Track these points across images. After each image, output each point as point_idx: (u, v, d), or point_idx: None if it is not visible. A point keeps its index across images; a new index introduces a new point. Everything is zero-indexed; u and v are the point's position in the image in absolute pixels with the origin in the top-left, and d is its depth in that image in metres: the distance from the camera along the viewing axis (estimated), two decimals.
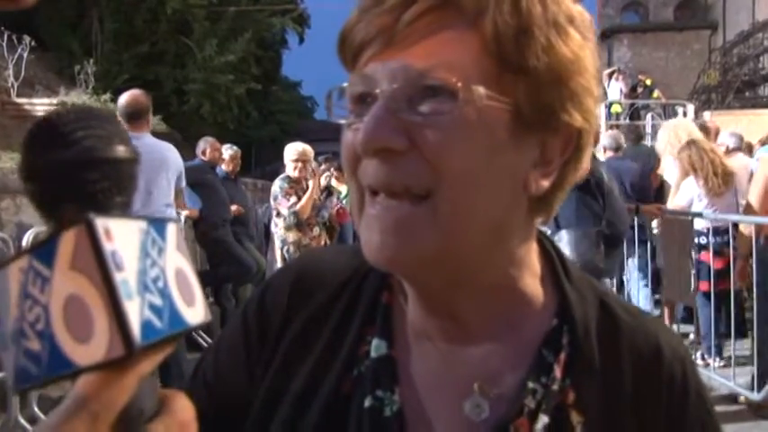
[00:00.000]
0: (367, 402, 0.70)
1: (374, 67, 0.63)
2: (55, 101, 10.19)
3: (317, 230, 5.87)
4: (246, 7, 18.80)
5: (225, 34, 17.51)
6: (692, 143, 5.40)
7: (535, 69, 0.61)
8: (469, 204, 0.62)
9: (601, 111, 15.78)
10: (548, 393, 0.68)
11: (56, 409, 0.43)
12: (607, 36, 27.03)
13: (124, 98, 4.74)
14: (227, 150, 8.05)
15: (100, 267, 0.40)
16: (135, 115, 4.67)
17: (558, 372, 0.69)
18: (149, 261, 0.43)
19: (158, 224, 0.45)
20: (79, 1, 14.86)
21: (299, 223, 5.58)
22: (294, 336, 0.77)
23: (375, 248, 0.63)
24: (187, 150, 5.57)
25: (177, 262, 0.45)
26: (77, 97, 10.70)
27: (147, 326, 0.41)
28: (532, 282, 0.73)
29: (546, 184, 0.66)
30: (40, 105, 10.17)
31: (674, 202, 5.54)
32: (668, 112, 16.98)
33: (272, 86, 21.73)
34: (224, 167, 7.97)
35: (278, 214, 5.73)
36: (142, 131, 4.73)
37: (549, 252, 0.77)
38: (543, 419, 0.67)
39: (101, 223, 0.40)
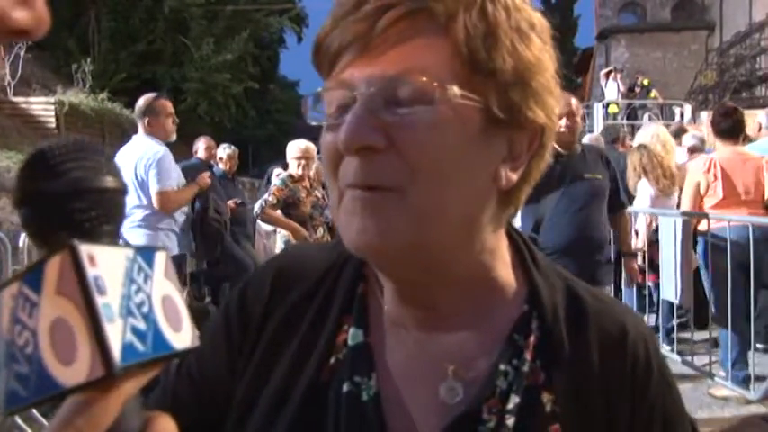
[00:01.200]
0: (345, 388, 0.72)
1: (351, 73, 0.66)
2: (52, 99, 10.18)
3: (321, 231, 5.82)
4: (244, 6, 18.80)
5: (222, 33, 17.51)
6: (642, 147, 5.76)
7: (502, 71, 0.65)
8: (441, 198, 0.65)
9: (598, 110, 15.84)
10: (518, 375, 0.72)
11: (44, 427, 0.43)
12: (605, 36, 27.07)
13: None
14: (225, 150, 8.05)
15: (83, 291, 0.41)
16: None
17: (528, 354, 0.73)
18: (134, 287, 0.44)
19: (146, 252, 0.46)
20: (76, 0, 14.84)
21: (258, 216, 5.49)
22: (274, 328, 0.80)
23: (354, 234, 0.66)
24: (184, 149, 5.57)
25: (165, 289, 0.47)
26: (74, 96, 10.68)
27: (128, 348, 0.42)
28: (504, 271, 0.77)
29: (515, 177, 0.70)
30: (37, 104, 10.16)
31: (635, 203, 5.78)
32: (665, 112, 17.03)
33: (270, 85, 21.76)
34: (221, 167, 7.97)
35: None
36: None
37: (517, 243, 0.81)
38: (514, 399, 0.71)
39: (85, 249, 0.42)
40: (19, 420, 4.50)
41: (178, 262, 5.45)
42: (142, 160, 4.84)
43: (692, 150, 6.71)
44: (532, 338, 0.74)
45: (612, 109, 16.66)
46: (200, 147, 7.58)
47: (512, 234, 0.81)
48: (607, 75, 17.93)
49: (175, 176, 5.00)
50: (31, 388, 0.42)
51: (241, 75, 17.93)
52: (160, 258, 0.47)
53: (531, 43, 0.67)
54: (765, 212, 4.87)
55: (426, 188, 0.64)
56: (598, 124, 14.85)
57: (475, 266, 0.73)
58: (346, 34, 0.66)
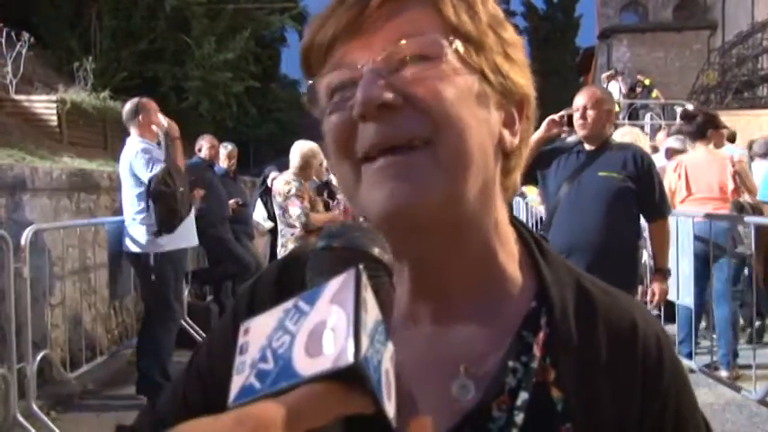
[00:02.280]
0: None
1: (350, 54, 0.68)
2: (54, 98, 10.17)
3: (321, 209, 5.84)
4: (245, 5, 18.78)
5: (224, 32, 17.48)
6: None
7: (488, 43, 0.70)
8: (466, 149, 0.67)
9: None
10: (527, 372, 0.72)
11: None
12: (606, 36, 27.05)
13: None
14: (225, 148, 8.04)
15: (355, 299, 0.48)
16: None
17: (537, 351, 0.73)
18: (378, 334, 0.50)
19: (387, 329, 0.53)
20: None
21: (306, 226, 5.52)
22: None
23: (385, 198, 0.66)
24: (185, 148, 5.58)
25: (389, 365, 0.51)
26: (76, 94, 10.68)
27: (368, 362, 0.46)
28: (511, 260, 0.78)
29: (516, 141, 0.75)
30: (39, 102, 10.15)
31: None
32: (667, 112, 17.01)
33: (271, 84, 21.72)
34: (222, 165, 7.96)
35: (285, 213, 5.65)
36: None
37: (525, 237, 0.82)
38: (523, 396, 0.71)
39: (365, 279, 0.50)
40: (20, 418, 4.51)
41: (179, 256, 5.47)
42: (132, 156, 5.15)
43: (675, 152, 6.87)
44: (541, 335, 0.74)
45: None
46: (204, 146, 7.57)
47: (519, 228, 0.82)
48: (609, 78, 17.90)
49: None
50: (268, 381, 0.46)
51: (242, 73, 17.90)
52: (390, 346, 0.53)
53: (503, 26, 0.74)
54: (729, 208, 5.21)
55: (452, 137, 0.66)
56: None
57: (487, 245, 0.75)
58: (339, 22, 0.68)
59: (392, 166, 0.66)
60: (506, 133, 0.74)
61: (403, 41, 0.66)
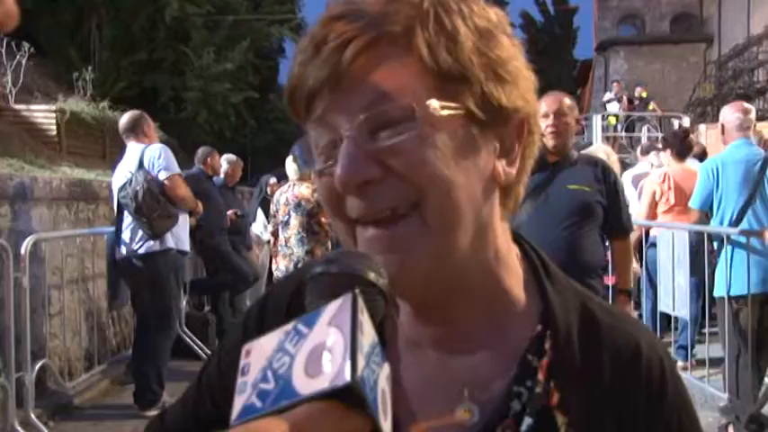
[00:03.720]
0: None
1: (329, 113, 0.67)
2: (53, 107, 10.20)
3: (329, 245, 5.86)
4: (245, 16, 18.87)
5: (223, 43, 17.55)
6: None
7: (471, 72, 0.67)
8: (454, 206, 0.66)
9: (597, 122, 15.87)
10: (532, 396, 0.72)
11: None
12: (604, 48, 27.15)
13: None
14: (227, 159, 8.07)
15: (352, 321, 0.50)
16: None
17: (541, 375, 0.73)
18: (374, 356, 0.51)
19: (381, 349, 0.54)
20: (78, 8, 14.88)
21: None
22: None
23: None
24: (184, 158, 5.61)
25: (385, 385, 0.53)
26: (75, 104, 10.70)
27: (365, 383, 0.48)
28: (516, 283, 0.77)
29: (513, 171, 0.73)
30: (38, 112, 10.18)
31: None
32: (664, 124, 17.07)
33: (270, 95, 21.76)
34: (222, 176, 7.98)
35: (311, 219, 5.64)
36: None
37: (530, 256, 0.81)
38: (528, 421, 0.71)
39: (362, 303, 0.52)
40: (18, 428, 4.51)
41: (177, 258, 5.51)
42: (156, 156, 5.28)
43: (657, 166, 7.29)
44: (546, 359, 0.74)
45: (611, 121, 16.70)
46: (205, 157, 7.58)
47: (524, 246, 0.81)
48: (603, 105, 17.91)
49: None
50: (269, 401, 0.48)
51: (241, 84, 17.97)
52: (386, 367, 0.54)
53: (494, 40, 0.69)
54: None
55: (438, 200, 0.66)
56: (597, 136, 14.87)
57: (489, 273, 0.74)
58: (315, 77, 0.67)
59: (379, 239, 0.67)
60: (501, 165, 0.72)
61: (380, 103, 0.65)
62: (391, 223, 0.66)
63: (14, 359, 4.65)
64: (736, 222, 4.64)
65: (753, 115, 4.72)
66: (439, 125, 0.65)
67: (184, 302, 7.44)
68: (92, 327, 6.29)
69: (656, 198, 6.01)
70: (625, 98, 17.59)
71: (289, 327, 0.52)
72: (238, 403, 0.49)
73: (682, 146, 6.05)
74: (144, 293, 5.49)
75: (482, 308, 0.75)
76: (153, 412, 5.16)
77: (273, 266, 6.05)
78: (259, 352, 0.52)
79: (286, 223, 5.74)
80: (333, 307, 0.51)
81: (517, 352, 0.75)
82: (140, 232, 5.24)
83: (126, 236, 5.33)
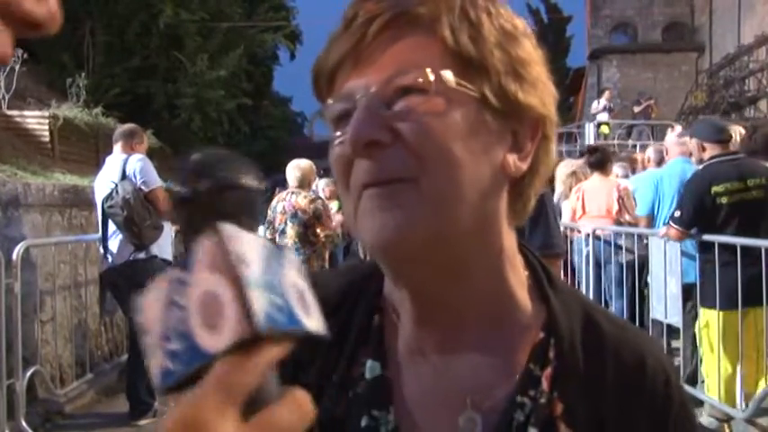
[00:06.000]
0: (363, 423, 0.72)
1: (349, 85, 0.69)
2: (46, 114, 10.17)
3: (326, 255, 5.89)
4: (239, 23, 18.88)
5: (217, 49, 17.54)
6: (572, 174, 7.41)
7: (492, 63, 0.68)
8: (453, 184, 0.67)
9: (590, 130, 15.95)
10: (536, 407, 0.71)
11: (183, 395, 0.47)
12: (596, 56, 27.29)
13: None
14: None
15: (228, 262, 0.47)
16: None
17: (545, 385, 0.72)
18: (271, 269, 0.49)
19: (279, 247, 0.52)
20: (72, 14, 14.85)
21: (335, 245, 5.62)
22: (292, 360, 0.79)
23: (376, 231, 0.67)
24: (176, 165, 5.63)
25: (296, 280, 0.51)
26: (69, 110, 10.68)
27: (269, 316, 0.46)
28: (520, 287, 0.76)
29: (524, 166, 0.72)
30: (32, 118, 10.15)
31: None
32: (656, 132, 17.15)
33: (263, 102, 21.77)
34: None
35: (308, 230, 5.65)
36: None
37: (533, 264, 0.80)
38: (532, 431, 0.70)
39: (230, 230, 0.48)
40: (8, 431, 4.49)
41: (158, 269, 5.51)
42: (138, 166, 5.29)
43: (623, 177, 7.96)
44: (549, 369, 0.73)
45: (603, 130, 16.76)
46: None
47: (527, 254, 0.81)
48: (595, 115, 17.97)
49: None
50: (182, 361, 0.47)
51: (235, 91, 17.96)
52: (291, 255, 0.53)
53: (517, 42, 0.70)
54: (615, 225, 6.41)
55: (437, 175, 0.66)
56: (589, 144, 14.94)
57: (494, 271, 0.73)
58: (340, 50, 0.69)
59: (378, 196, 0.67)
60: (512, 159, 0.71)
61: (397, 74, 0.66)
62: (388, 185, 0.67)
63: (5, 366, 4.63)
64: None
65: (688, 140, 5.56)
66: (452, 100, 0.66)
67: None
68: (84, 333, 6.27)
69: (573, 208, 7.01)
70: (609, 103, 17.59)
71: (172, 275, 0.49)
72: (154, 367, 0.48)
73: (596, 157, 7.06)
74: (129, 303, 5.46)
75: (486, 309, 0.74)
76: (145, 421, 5.15)
77: None
78: (152, 309, 0.49)
79: (282, 232, 5.74)
80: (204, 247, 0.48)
81: (519, 360, 0.74)
82: (126, 242, 5.24)
83: (112, 246, 5.33)
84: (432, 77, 0.66)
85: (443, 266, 0.70)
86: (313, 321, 0.50)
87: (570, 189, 7.37)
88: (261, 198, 0.55)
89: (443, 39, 0.67)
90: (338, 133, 0.70)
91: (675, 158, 6.12)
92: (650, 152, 7.81)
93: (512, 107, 0.69)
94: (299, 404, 0.50)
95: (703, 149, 4.87)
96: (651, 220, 6.02)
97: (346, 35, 0.69)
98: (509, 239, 0.75)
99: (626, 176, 7.85)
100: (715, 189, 4.60)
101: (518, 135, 0.72)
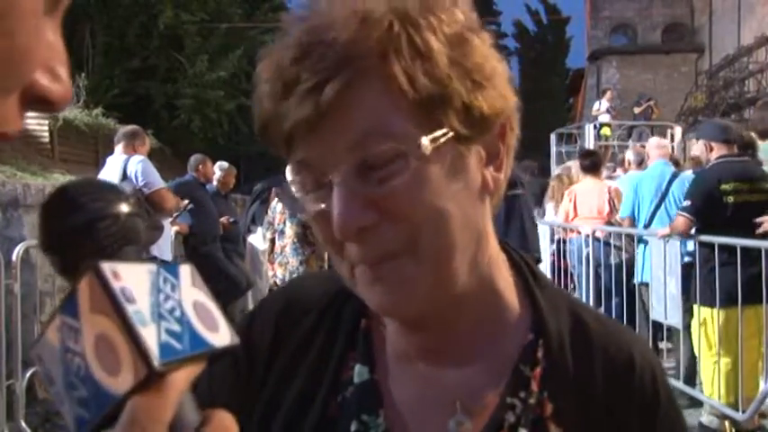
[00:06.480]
0: (353, 427, 0.73)
1: (313, 156, 0.65)
2: (46, 114, 10.16)
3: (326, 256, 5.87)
4: (238, 24, 18.89)
5: (216, 50, 17.57)
6: (557, 177, 7.81)
7: (450, 87, 0.64)
8: (448, 238, 0.66)
9: (590, 131, 15.94)
10: (526, 408, 0.72)
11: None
12: (596, 58, 27.28)
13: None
14: (220, 167, 8.07)
15: (112, 302, 0.44)
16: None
17: (534, 386, 0.73)
18: (162, 295, 0.47)
19: (170, 266, 0.50)
20: (71, 15, 14.86)
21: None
22: (281, 365, 0.79)
23: (377, 304, 0.68)
24: (177, 166, 5.60)
25: (194, 296, 0.50)
26: (68, 111, 10.68)
27: (165, 347, 0.45)
28: (506, 288, 0.76)
29: (501, 175, 0.72)
30: (31, 119, 10.14)
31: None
32: (656, 133, 17.14)
33: None
34: (216, 184, 7.98)
35: (308, 230, 5.62)
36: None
37: (517, 262, 0.80)
38: None
39: (108, 267, 0.45)
40: None
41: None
42: (139, 167, 5.31)
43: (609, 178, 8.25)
44: (539, 369, 0.73)
45: (605, 132, 16.75)
46: (198, 165, 7.60)
47: (511, 253, 0.80)
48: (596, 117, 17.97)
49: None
50: (92, 408, 0.45)
51: (235, 92, 17.96)
52: (185, 271, 0.51)
53: (467, 45, 0.66)
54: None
55: (430, 238, 0.65)
56: (589, 145, 14.94)
57: (481, 279, 0.73)
58: (291, 117, 0.64)
59: (379, 274, 0.66)
60: (489, 173, 0.71)
61: (366, 145, 0.63)
62: (384, 263, 0.66)
63: (5, 367, 4.62)
64: (649, 224, 5.98)
65: (668, 143, 6.32)
66: (429, 157, 0.64)
67: None
68: None
69: (567, 210, 7.20)
70: (609, 103, 17.58)
71: (57, 322, 0.47)
72: (67, 415, 0.47)
73: (589, 161, 7.30)
74: None
75: (474, 314, 0.74)
76: None
77: (270, 274, 6.05)
78: (49, 356, 0.47)
79: (282, 232, 5.74)
80: (83, 291, 0.45)
81: (509, 361, 0.74)
82: None
83: None
84: (407, 149, 0.63)
85: (440, 307, 0.71)
86: (220, 335, 0.49)
87: (554, 191, 7.85)
88: (138, 221, 0.51)
89: (400, 88, 0.62)
90: (314, 204, 0.68)
91: (656, 161, 6.39)
92: (630, 155, 7.96)
93: (480, 125, 0.67)
94: (224, 427, 0.49)
95: (711, 149, 4.90)
96: (633, 222, 6.24)
97: (294, 100, 0.63)
98: (493, 244, 0.75)
99: (609, 177, 8.11)
100: (723, 186, 4.64)
101: (489, 146, 0.70)
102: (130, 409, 0.45)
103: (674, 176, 6.05)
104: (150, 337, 0.44)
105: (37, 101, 0.43)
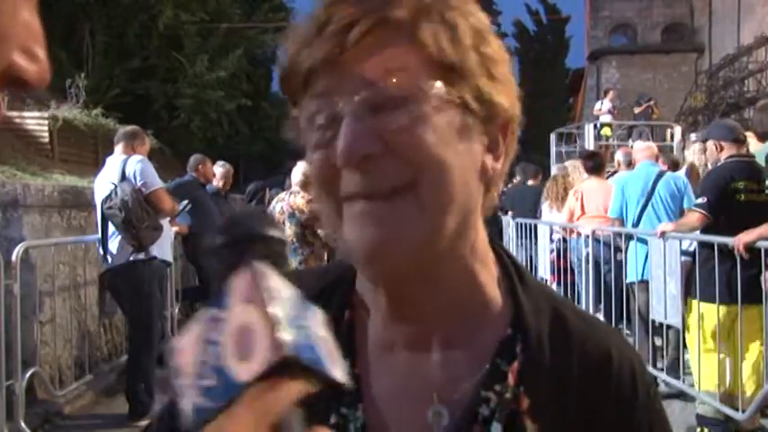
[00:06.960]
0: (332, 420, 0.73)
1: (330, 88, 0.68)
2: (45, 114, 10.18)
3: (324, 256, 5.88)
4: (238, 24, 18.90)
5: (216, 50, 17.58)
6: (553, 178, 7.99)
7: (469, 66, 0.68)
8: (448, 189, 0.68)
9: (589, 131, 15.94)
10: (501, 401, 0.72)
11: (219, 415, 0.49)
12: (596, 57, 27.29)
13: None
14: (220, 167, 8.07)
15: (262, 294, 0.50)
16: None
17: (511, 380, 0.73)
18: (301, 313, 0.52)
19: (305, 300, 0.55)
20: (71, 14, 14.88)
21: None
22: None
23: (366, 243, 0.67)
24: (177, 166, 5.60)
25: (324, 333, 0.54)
26: (68, 111, 10.68)
27: (297, 347, 0.49)
28: (490, 283, 0.78)
29: (498, 166, 0.74)
30: (31, 119, 10.16)
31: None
32: (656, 133, 17.14)
33: (263, 103, 21.77)
34: (215, 184, 7.98)
35: (306, 230, 5.65)
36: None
37: (504, 260, 0.81)
38: (496, 427, 0.71)
39: (263, 267, 0.53)
40: None
41: (161, 268, 5.51)
42: (138, 167, 5.27)
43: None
44: (516, 363, 0.74)
45: (605, 132, 16.74)
46: (197, 165, 7.60)
47: (497, 250, 0.82)
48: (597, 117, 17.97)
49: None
50: (215, 396, 0.49)
51: (234, 92, 17.98)
52: (320, 313, 0.56)
53: (487, 41, 0.71)
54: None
55: (434, 181, 0.67)
56: (589, 145, 14.95)
57: (464, 270, 0.75)
58: (316, 55, 0.67)
59: (372, 212, 0.67)
60: (489, 159, 0.73)
61: (383, 82, 0.66)
62: (386, 198, 0.67)
63: (4, 367, 4.62)
64: (636, 224, 6.13)
65: (653, 145, 6.69)
66: (439, 108, 0.67)
67: (177, 310, 7.42)
68: (83, 335, 6.26)
69: (572, 208, 7.41)
70: (611, 103, 17.56)
71: (205, 315, 0.52)
72: (186, 406, 0.50)
73: (593, 162, 7.54)
74: (128, 304, 5.49)
75: (456, 305, 0.75)
76: (144, 422, 5.14)
77: None
78: (186, 350, 0.52)
79: None
80: (239, 283, 0.52)
81: (487, 355, 0.75)
82: (125, 244, 5.23)
83: (112, 247, 5.33)
84: (421, 88, 0.66)
85: (423, 268, 0.71)
86: (337, 369, 0.53)
87: (549, 191, 8.19)
88: (284, 248, 0.59)
89: (424, 44, 0.67)
90: (318, 135, 0.70)
91: (642, 162, 6.48)
92: (620, 156, 8.04)
93: (487, 109, 0.71)
94: None
95: (721, 149, 4.91)
96: (622, 222, 6.33)
97: (321, 40, 0.67)
98: (480, 235, 0.76)
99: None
100: (735, 185, 4.67)
101: (491, 136, 0.73)
102: (250, 394, 0.48)
103: (660, 176, 6.15)
104: (287, 331, 0.49)
105: (15, 82, 0.43)
